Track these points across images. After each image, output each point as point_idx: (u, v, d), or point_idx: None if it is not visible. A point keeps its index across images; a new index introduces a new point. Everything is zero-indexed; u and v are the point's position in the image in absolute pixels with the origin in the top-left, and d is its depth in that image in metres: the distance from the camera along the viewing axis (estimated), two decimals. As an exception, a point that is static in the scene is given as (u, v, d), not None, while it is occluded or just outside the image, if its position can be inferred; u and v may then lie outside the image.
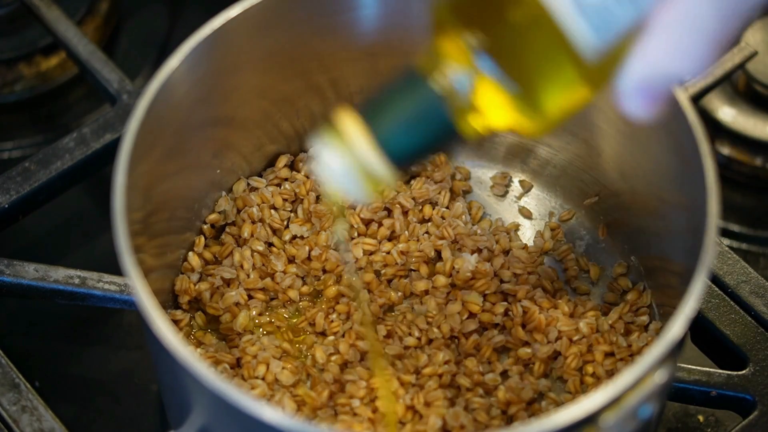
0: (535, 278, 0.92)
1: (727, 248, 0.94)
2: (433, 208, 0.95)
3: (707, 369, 0.88)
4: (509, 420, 0.85)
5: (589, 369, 0.87)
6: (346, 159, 0.66)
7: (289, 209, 0.95)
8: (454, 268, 0.91)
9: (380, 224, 0.94)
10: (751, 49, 1.04)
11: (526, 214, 0.97)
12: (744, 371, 0.88)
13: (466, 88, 0.65)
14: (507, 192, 0.98)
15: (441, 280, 0.91)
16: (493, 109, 0.65)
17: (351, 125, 0.66)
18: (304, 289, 0.91)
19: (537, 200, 0.98)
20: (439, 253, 0.93)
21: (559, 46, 0.63)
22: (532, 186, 0.98)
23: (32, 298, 0.91)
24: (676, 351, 0.72)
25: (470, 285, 0.90)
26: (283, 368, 0.86)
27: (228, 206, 0.93)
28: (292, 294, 0.91)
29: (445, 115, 0.66)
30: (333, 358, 0.88)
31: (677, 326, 0.69)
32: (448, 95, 0.65)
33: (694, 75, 0.62)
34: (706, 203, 0.73)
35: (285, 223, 0.94)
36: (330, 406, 0.85)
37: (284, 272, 0.91)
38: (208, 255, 0.92)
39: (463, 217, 0.95)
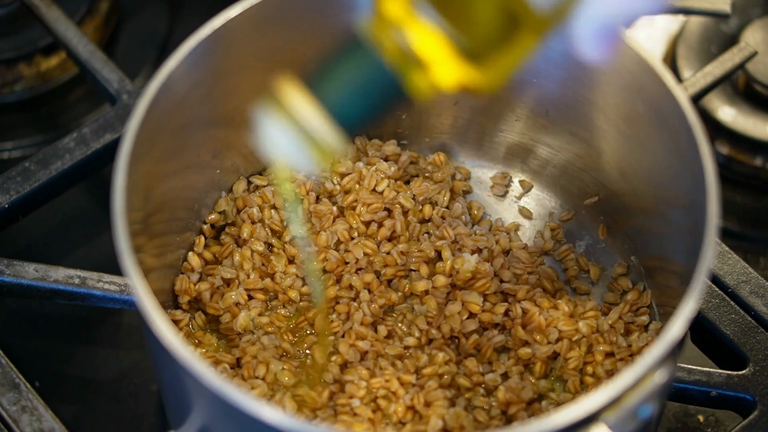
0: (535, 278, 0.92)
1: (727, 248, 0.94)
2: (433, 208, 0.95)
3: (707, 369, 0.88)
4: (509, 420, 0.85)
5: (589, 369, 0.87)
6: (289, 128, 0.66)
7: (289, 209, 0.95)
8: (454, 268, 0.91)
9: (380, 225, 0.94)
10: (751, 49, 1.04)
11: (526, 214, 0.97)
12: (744, 371, 0.88)
13: (410, 45, 0.63)
14: (507, 192, 0.98)
15: (441, 280, 0.91)
16: (440, 64, 0.64)
17: (293, 93, 0.65)
18: (304, 289, 0.91)
19: (537, 200, 0.98)
20: (439, 253, 0.93)
21: None
22: (532, 186, 0.98)
23: (32, 298, 0.91)
24: (676, 351, 0.72)
25: (470, 285, 0.90)
26: (283, 368, 0.86)
27: (228, 206, 0.93)
28: (292, 294, 0.91)
29: (391, 77, 0.64)
30: (333, 358, 0.88)
31: (677, 326, 0.69)
32: (394, 55, 0.64)
33: (650, 14, 0.63)
34: (706, 203, 0.73)
35: (285, 223, 0.94)
36: (330, 406, 0.85)
37: (284, 272, 0.91)
38: (208, 255, 0.92)
39: (463, 217, 0.95)
